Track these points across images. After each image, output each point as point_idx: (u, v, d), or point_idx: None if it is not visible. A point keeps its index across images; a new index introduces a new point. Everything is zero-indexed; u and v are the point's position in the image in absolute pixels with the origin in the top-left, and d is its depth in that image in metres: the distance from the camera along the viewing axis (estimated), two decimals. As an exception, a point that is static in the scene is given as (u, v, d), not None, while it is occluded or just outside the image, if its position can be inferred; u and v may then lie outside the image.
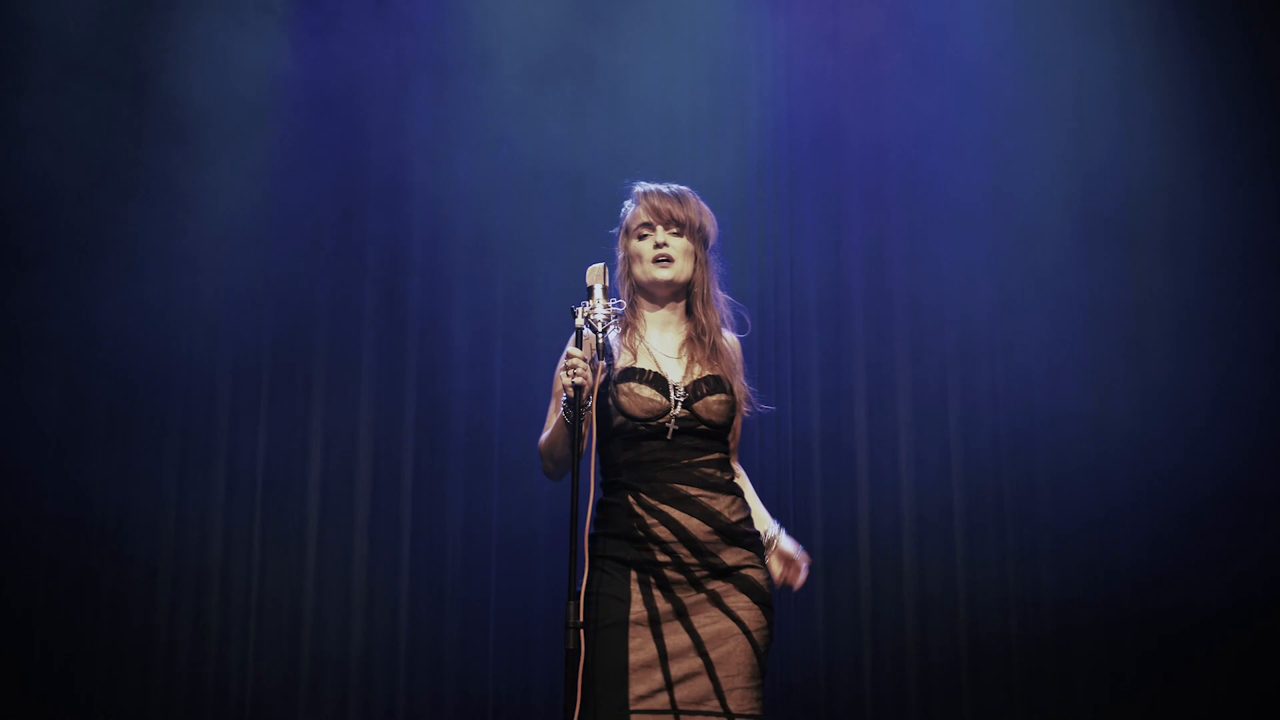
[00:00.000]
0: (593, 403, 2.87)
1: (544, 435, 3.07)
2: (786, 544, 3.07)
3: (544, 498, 4.82)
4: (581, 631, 2.78)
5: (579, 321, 2.86)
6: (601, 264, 2.94)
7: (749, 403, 3.12)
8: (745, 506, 3.04)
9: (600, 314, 2.86)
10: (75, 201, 4.98)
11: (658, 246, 3.04)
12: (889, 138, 5.21)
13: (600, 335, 2.85)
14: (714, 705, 2.87)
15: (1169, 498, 4.89)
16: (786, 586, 3.06)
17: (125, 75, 5.04)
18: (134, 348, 4.94)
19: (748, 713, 2.89)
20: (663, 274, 3.05)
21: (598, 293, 2.87)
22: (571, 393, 2.82)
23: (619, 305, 2.94)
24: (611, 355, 3.02)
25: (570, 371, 2.81)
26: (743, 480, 3.15)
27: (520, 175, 5.14)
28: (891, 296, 5.14)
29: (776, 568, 3.06)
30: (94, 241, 4.97)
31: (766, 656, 2.97)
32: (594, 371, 2.84)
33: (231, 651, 4.84)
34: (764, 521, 3.11)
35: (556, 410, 3.02)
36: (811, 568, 4.73)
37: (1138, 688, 4.84)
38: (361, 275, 5.12)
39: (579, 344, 2.85)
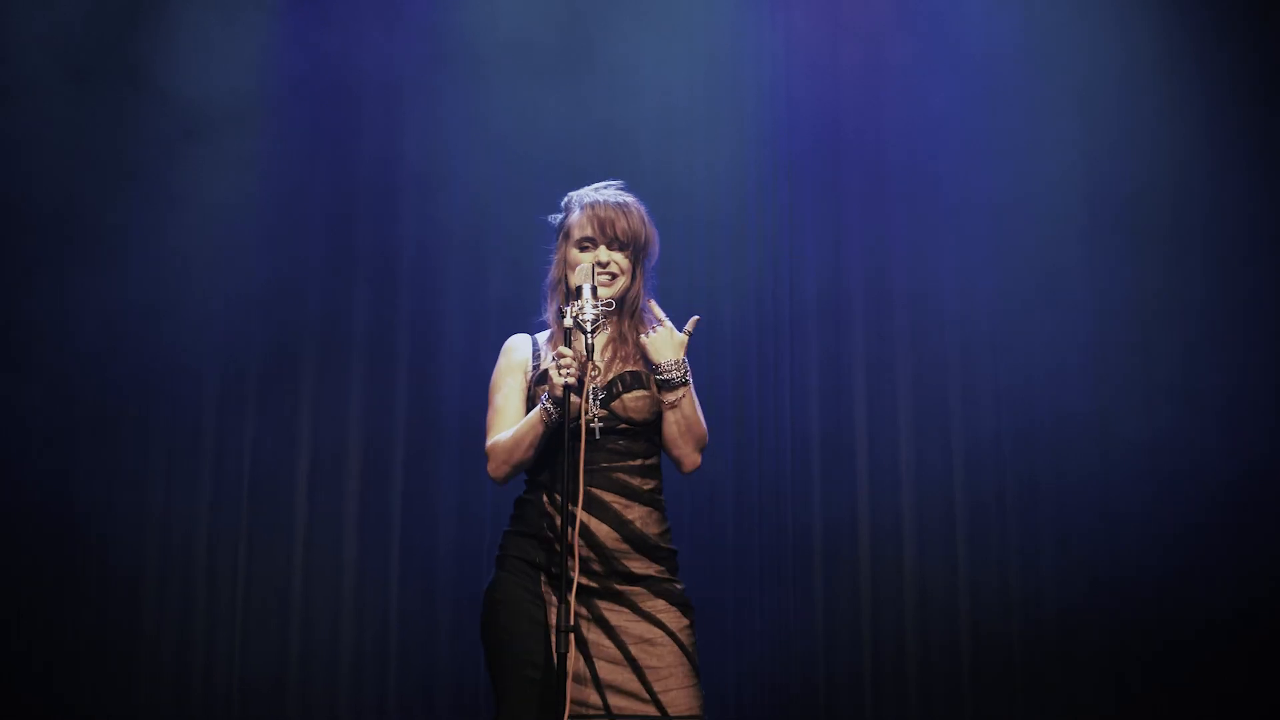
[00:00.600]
0: (584, 403, 2.82)
1: (503, 436, 2.96)
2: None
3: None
4: (571, 636, 2.74)
5: (568, 321, 2.82)
6: (590, 264, 2.92)
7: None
8: (664, 521, 2.97)
9: (589, 314, 2.81)
10: (62, 197, 4.95)
11: (601, 265, 2.99)
12: (890, 133, 5.17)
13: (590, 335, 2.80)
14: (650, 710, 2.81)
15: (1174, 499, 4.85)
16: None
17: (114, 71, 5.01)
18: (120, 345, 4.91)
19: (687, 714, 2.83)
20: (605, 291, 2.97)
21: (586, 293, 2.83)
22: (561, 393, 2.78)
23: (607, 306, 2.91)
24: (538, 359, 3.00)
25: (563, 371, 2.77)
26: None
27: (516, 171, 5.09)
28: (892, 293, 5.10)
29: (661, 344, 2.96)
30: (80, 238, 4.94)
31: (697, 655, 2.90)
32: (584, 371, 2.79)
33: (218, 651, 4.81)
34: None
35: (508, 408, 2.98)
36: (810, 568, 4.89)
37: (1142, 693, 4.80)
38: (352, 271, 5.09)
39: (568, 343, 2.81)
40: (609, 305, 2.93)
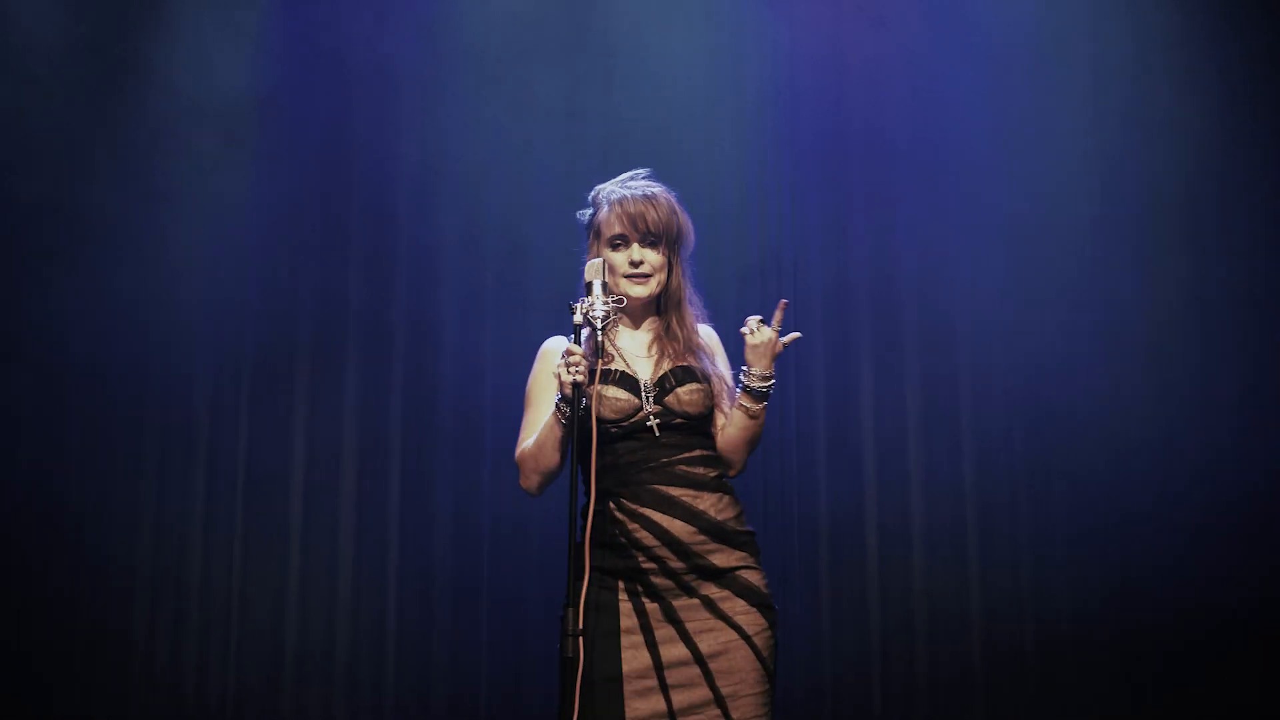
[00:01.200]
0: (594, 401, 2.80)
1: (528, 443, 2.94)
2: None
3: (536, 498, 4.70)
4: (580, 640, 2.69)
5: (577, 318, 2.77)
6: (601, 259, 2.87)
7: (730, 393, 2.98)
8: (736, 503, 2.93)
9: (599, 310, 2.77)
10: (51, 195, 4.90)
11: (633, 265, 2.95)
12: (897, 124, 5.11)
13: (600, 332, 2.77)
14: (715, 714, 2.77)
15: (1191, 501, 4.78)
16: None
17: (106, 68, 4.98)
18: (111, 343, 4.86)
19: (753, 718, 2.79)
20: (637, 290, 2.97)
21: (597, 289, 2.79)
22: (570, 391, 2.74)
23: (619, 302, 2.86)
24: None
25: (571, 369, 2.72)
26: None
27: (514, 164, 5.04)
28: (899, 288, 5.05)
29: (763, 352, 2.88)
30: (71, 236, 4.90)
31: (773, 661, 2.86)
32: (594, 370, 2.77)
33: (212, 653, 4.78)
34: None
35: (540, 416, 2.94)
36: (817, 569, 4.88)
37: (1157, 696, 4.73)
38: (346, 268, 5.04)
39: (578, 341, 2.76)
40: (620, 301, 2.86)
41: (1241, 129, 5.00)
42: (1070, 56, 5.08)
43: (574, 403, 2.72)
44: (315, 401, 4.97)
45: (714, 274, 4.87)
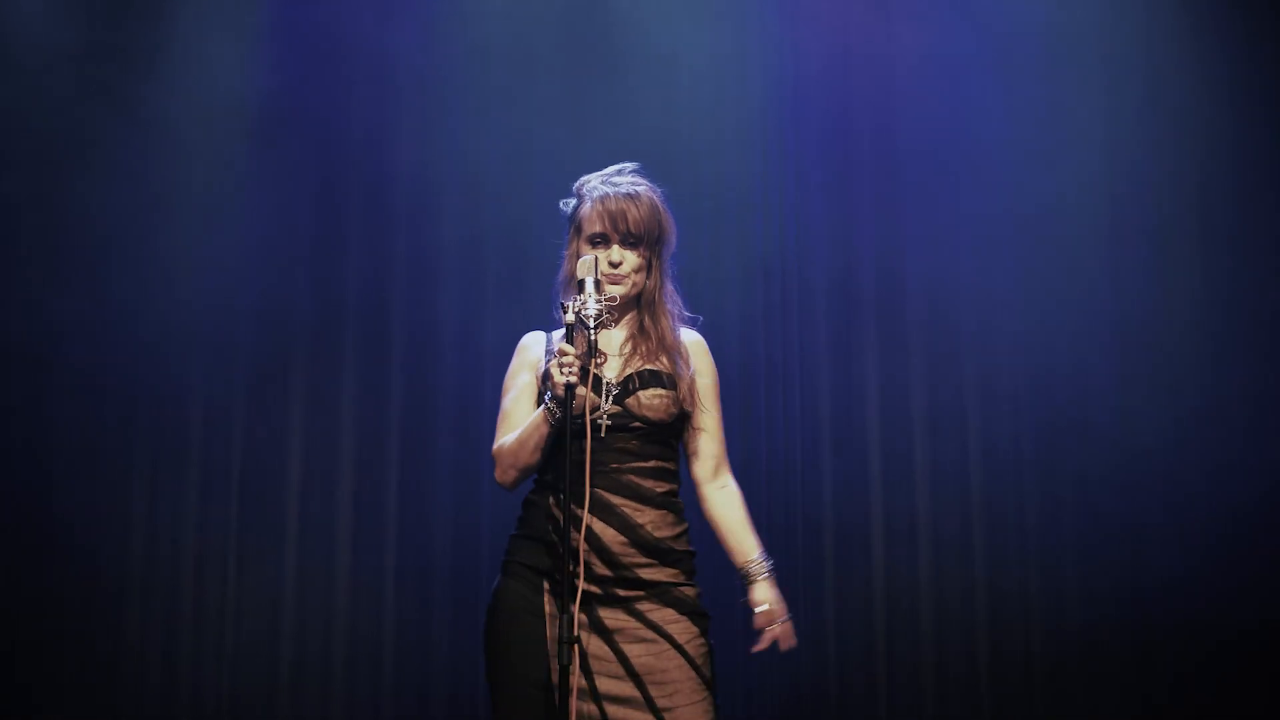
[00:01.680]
0: (586, 403, 2.75)
1: (508, 438, 2.87)
2: (758, 590, 2.86)
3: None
4: (575, 648, 2.60)
5: (569, 317, 2.72)
6: (593, 256, 2.81)
7: (707, 402, 2.92)
8: (680, 522, 2.85)
9: (592, 309, 2.72)
10: (44, 199, 4.86)
11: (612, 265, 2.89)
12: (903, 120, 5.06)
13: (594, 332, 2.71)
14: None
15: (1203, 507, 4.73)
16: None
17: (98, 73, 4.92)
18: (103, 347, 4.81)
19: None
20: (614, 289, 2.89)
21: (589, 286, 2.73)
22: (562, 391, 2.67)
23: (611, 300, 2.82)
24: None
25: (565, 369, 2.66)
26: (728, 496, 2.95)
27: (514, 166, 4.98)
28: (905, 287, 4.99)
29: (757, 616, 2.86)
30: (61, 238, 4.86)
31: (709, 669, 2.78)
32: (588, 369, 2.71)
33: (207, 660, 4.74)
34: (747, 552, 2.90)
35: (517, 410, 2.89)
36: (821, 574, 4.84)
37: (1168, 708, 4.68)
38: (343, 270, 4.99)
39: (570, 340, 2.71)
40: (613, 300, 2.83)
41: (1256, 132, 4.94)
42: (1082, 56, 5.02)
43: (566, 404, 2.66)
44: (312, 405, 4.92)
45: (715, 272, 4.94)
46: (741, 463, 4.78)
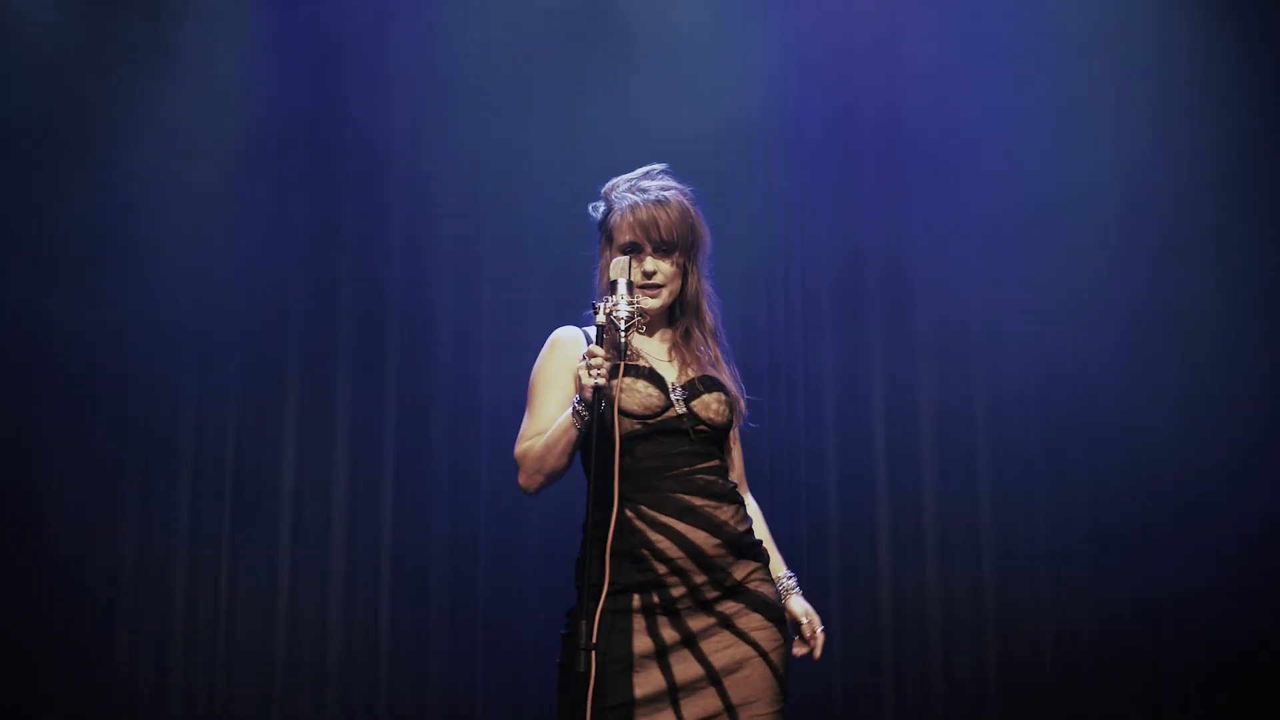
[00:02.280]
0: (616, 406, 2.69)
1: (535, 441, 2.80)
2: (797, 604, 2.87)
3: (535, 503, 4.61)
4: (593, 654, 2.55)
5: (600, 318, 2.65)
6: (627, 257, 2.76)
7: (741, 414, 2.92)
8: (748, 516, 2.86)
9: (624, 311, 2.65)
10: (33, 199, 4.80)
11: (646, 276, 2.84)
12: (909, 117, 5.03)
13: (624, 334, 2.65)
14: None
15: (1217, 510, 4.69)
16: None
17: (86, 73, 4.89)
18: (93, 351, 4.77)
19: None
20: (648, 302, 2.83)
21: (622, 288, 2.67)
22: (590, 395, 2.61)
23: (644, 309, 2.74)
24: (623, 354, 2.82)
25: (593, 371, 2.59)
26: (752, 510, 2.95)
27: (514, 163, 4.94)
28: (912, 288, 4.96)
29: (804, 626, 2.87)
30: (49, 237, 4.80)
31: (788, 676, 2.78)
32: (618, 372, 2.67)
33: (199, 668, 4.71)
34: (774, 569, 2.90)
35: (546, 409, 2.82)
36: (827, 580, 4.78)
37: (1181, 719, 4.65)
38: (338, 272, 4.95)
39: (599, 342, 2.64)
40: (645, 314, 2.74)
41: (1274, 131, 4.91)
42: (1094, 53, 4.99)
43: (594, 406, 2.60)
44: (306, 406, 4.88)
45: (718, 271, 4.79)
46: (743, 467, 4.75)
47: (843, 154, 5.02)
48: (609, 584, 2.68)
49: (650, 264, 2.84)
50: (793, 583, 2.87)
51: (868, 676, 4.74)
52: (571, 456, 2.76)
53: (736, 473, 2.96)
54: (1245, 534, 4.66)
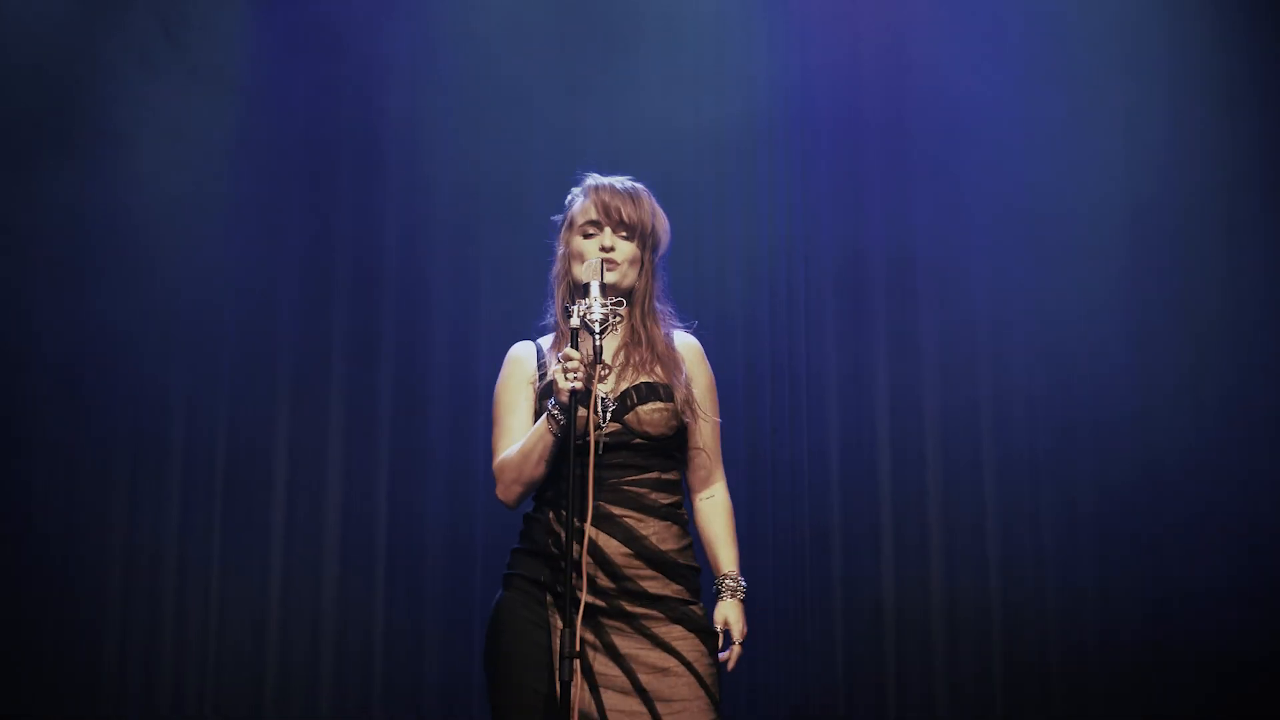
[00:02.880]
0: (591, 410, 2.68)
1: (510, 451, 2.79)
2: (721, 609, 2.83)
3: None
4: (576, 663, 2.52)
5: (574, 321, 2.64)
6: (598, 259, 2.77)
7: (705, 412, 2.88)
8: (684, 536, 2.81)
9: (597, 313, 2.64)
10: (15, 194, 4.75)
11: (604, 250, 2.83)
12: (916, 116, 4.95)
13: (599, 336, 2.63)
14: None
15: (1229, 516, 4.62)
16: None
17: (70, 63, 4.83)
18: (80, 348, 4.72)
19: None
20: (607, 275, 2.80)
21: (594, 290, 2.66)
22: (567, 398, 2.60)
23: (618, 303, 2.72)
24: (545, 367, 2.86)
25: (569, 374, 2.60)
26: (712, 508, 2.92)
27: (511, 161, 4.89)
28: (916, 287, 4.89)
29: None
30: (35, 233, 4.75)
31: (718, 687, 2.73)
32: (593, 376, 2.62)
33: (188, 674, 4.67)
34: (719, 567, 2.88)
35: (515, 423, 2.83)
36: (829, 586, 4.73)
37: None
38: (331, 268, 4.90)
39: (575, 345, 2.63)
40: (619, 302, 2.73)
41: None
42: (1103, 52, 4.91)
43: (571, 411, 2.59)
44: (298, 406, 4.84)
45: (720, 268, 4.89)
46: (746, 468, 4.75)
47: (847, 149, 4.95)
48: (518, 578, 2.75)
49: (609, 238, 2.85)
50: (733, 585, 2.82)
51: (871, 680, 4.69)
52: (549, 464, 2.74)
53: (697, 471, 2.90)
54: (1257, 538, 4.59)
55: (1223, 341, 4.74)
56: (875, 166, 4.94)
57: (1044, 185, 4.85)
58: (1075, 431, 4.75)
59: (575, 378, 2.58)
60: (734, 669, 2.78)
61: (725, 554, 2.85)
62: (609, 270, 2.79)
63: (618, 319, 2.70)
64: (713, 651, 2.74)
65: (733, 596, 2.81)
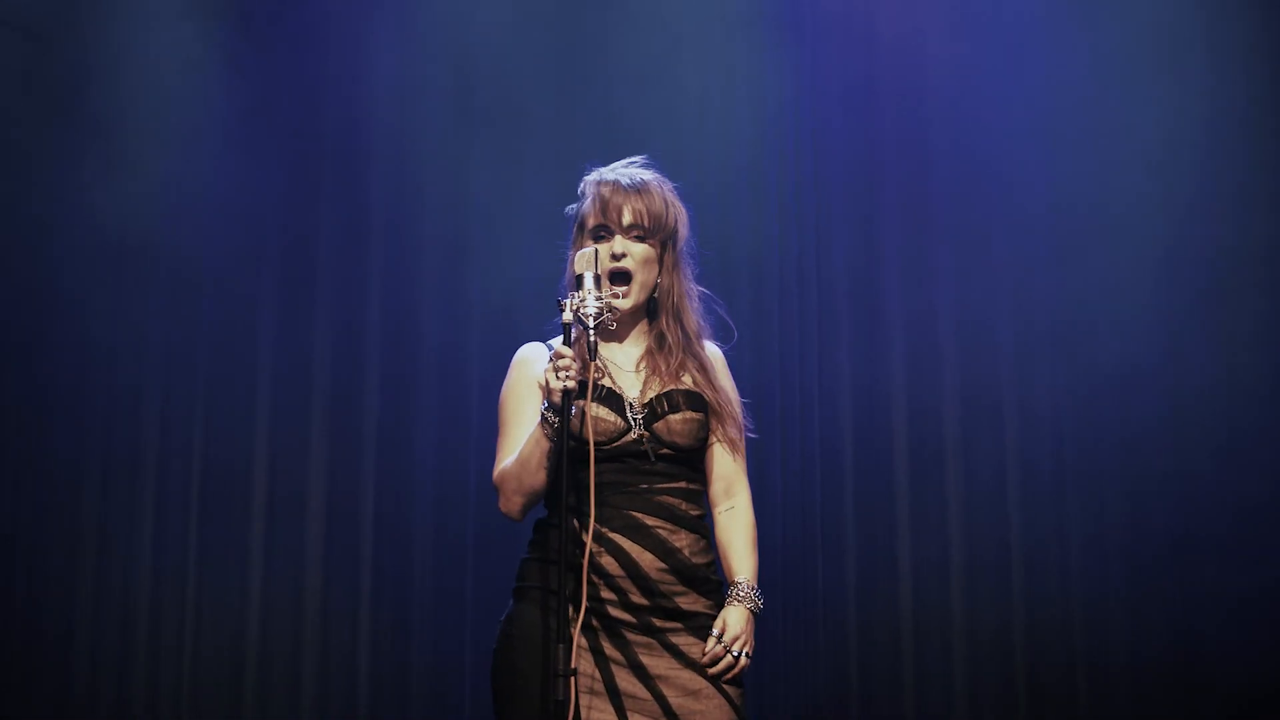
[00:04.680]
0: (588, 409, 2.62)
1: (509, 461, 2.70)
2: (728, 611, 2.69)
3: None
4: (573, 680, 2.50)
5: (567, 315, 2.58)
6: (593, 248, 2.67)
7: (734, 422, 2.82)
8: (710, 549, 2.76)
9: (592, 306, 2.57)
10: None
11: (615, 259, 2.74)
12: (933, 126, 4.84)
13: (592, 332, 2.57)
14: None
15: (1267, 533, 4.45)
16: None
17: (48, 52, 4.74)
18: (46, 347, 4.63)
19: None
20: (621, 303, 2.73)
21: (588, 282, 2.59)
22: (559, 399, 2.53)
23: (614, 295, 2.68)
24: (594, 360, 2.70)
25: (560, 374, 2.52)
26: (731, 519, 2.82)
27: (506, 158, 4.81)
28: (934, 300, 4.77)
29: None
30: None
31: (746, 708, 2.70)
32: (588, 373, 2.58)
33: (163, 689, 4.55)
34: (733, 574, 2.77)
35: (518, 428, 2.73)
36: (844, 606, 4.60)
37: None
38: (314, 266, 4.81)
39: (567, 342, 2.58)
40: (615, 295, 2.70)
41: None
42: (1136, 60, 4.75)
43: (564, 412, 2.52)
44: (280, 410, 4.74)
45: (724, 260, 4.68)
46: (754, 480, 4.50)
47: (862, 164, 4.84)
48: (537, 591, 2.65)
49: (620, 245, 2.75)
50: (746, 592, 2.70)
51: (886, 698, 4.56)
52: (550, 471, 2.65)
53: (718, 482, 2.82)
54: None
55: (1257, 346, 4.58)
56: (891, 181, 4.83)
57: (1070, 192, 4.73)
58: (1102, 440, 4.62)
59: (567, 376, 2.50)
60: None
61: (741, 562, 2.76)
62: (624, 295, 2.72)
63: (614, 313, 2.62)
64: (741, 671, 2.68)
65: (741, 603, 2.69)
